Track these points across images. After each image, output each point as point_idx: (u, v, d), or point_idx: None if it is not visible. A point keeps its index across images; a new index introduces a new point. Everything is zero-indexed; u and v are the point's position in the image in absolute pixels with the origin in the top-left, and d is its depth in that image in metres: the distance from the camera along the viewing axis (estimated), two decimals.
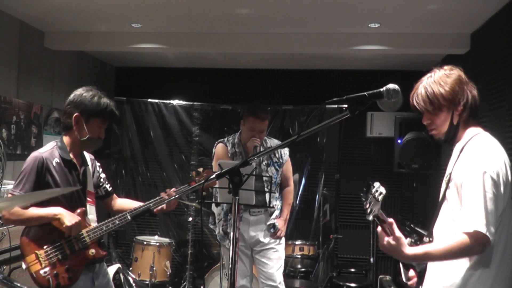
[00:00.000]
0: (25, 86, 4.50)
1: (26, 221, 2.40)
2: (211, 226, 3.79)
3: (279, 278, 3.60)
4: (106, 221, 2.52)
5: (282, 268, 3.65)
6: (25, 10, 4.19)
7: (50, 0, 3.92)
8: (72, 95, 2.53)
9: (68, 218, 2.36)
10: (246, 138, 3.52)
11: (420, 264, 2.02)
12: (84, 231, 2.45)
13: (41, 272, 2.34)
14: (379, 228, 1.87)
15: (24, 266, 2.38)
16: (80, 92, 2.52)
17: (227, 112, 5.73)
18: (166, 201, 2.56)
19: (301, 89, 5.96)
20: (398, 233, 1.81)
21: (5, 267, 3.10)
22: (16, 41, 4.38)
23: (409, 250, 1.81)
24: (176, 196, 2.57)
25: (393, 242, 1.80)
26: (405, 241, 1.83)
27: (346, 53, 5.03)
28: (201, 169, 2.72)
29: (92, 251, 2.46)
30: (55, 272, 2.35)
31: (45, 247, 2.38)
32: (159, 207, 2.57)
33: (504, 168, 1.82)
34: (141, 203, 2.63)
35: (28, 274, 2.37)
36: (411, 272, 2.09)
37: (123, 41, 4.80)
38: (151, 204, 2.57)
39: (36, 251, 2.36)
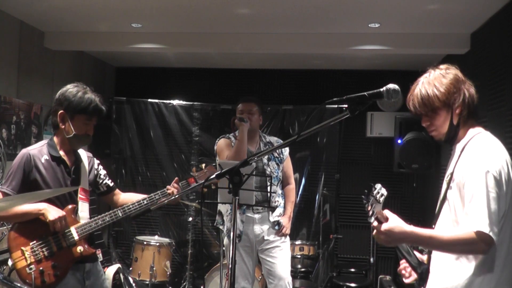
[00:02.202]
0: (25, 86, 4.50)
1: (11, 217, 2.39)
2: (220, 227, 3.77)
3: (287, 276, 3.58)
4: (95, 218, 2.49)
5: (289, 267, 3.64)
6: (25, 10, 4.19)
7: (50, 0, 3.92)
8: (58, 93, 2.48)
9: (52, 212, 2.33)
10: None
11: (421, 265, 2.01)
12: (72, 227, 2.42)
13: (27, 268, 2.30)
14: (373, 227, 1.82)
15: (10, 262, 2.35)
16: (65, 88, 2.47)
17: (227, 112, 5.71)
18: (165, 200, 2.50)
19: (301, 89, 5.96)
20: (389, 214, 1.76)
21: (5, 267, 3.09)
22: (16, 41, 4.38)
23: (411, 227, 1.75)
24: (177, 196, 2.55)
25: (388, 225, 1.74)
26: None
27: (346, 53, 5.03)
28: (202, 165, 2.70)
29: (80, 248, 2.41)
30: (40, 268, 2.31)
31: (31, 243, 2.34)
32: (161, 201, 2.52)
33: (506, 167, 1.80)
34: (145, 196, 2.61)
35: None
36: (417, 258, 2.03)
37: (123, 41, 4.80)
38: (148, 203, 2.55)
39: (22, 247, 2.33)
